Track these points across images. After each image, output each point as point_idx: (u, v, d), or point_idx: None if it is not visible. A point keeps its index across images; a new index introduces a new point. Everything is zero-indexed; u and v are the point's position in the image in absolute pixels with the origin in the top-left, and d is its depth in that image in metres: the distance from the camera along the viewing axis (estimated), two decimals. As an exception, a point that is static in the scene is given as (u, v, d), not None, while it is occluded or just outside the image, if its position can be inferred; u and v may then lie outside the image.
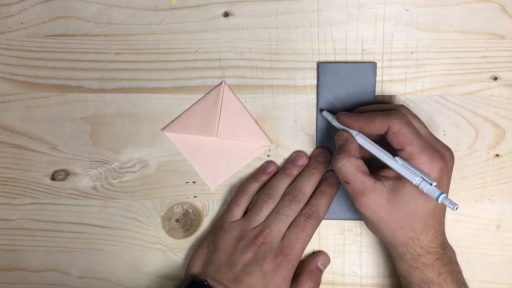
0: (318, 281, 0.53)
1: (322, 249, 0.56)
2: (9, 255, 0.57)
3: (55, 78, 0.55)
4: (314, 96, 0.54)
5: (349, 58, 0.54)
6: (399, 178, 0.46)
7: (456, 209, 0.42)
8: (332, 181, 0.54)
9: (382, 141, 0.48)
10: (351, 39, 0.53)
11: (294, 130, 0.55)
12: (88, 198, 0.56)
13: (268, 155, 0.55)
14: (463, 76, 0.53)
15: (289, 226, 0.51)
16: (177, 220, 0.57)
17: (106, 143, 0.56)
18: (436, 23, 0.53)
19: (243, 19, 0.53)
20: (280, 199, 0.52)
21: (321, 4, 0.53)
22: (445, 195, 0.43)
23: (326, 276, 0.56)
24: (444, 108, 0.54)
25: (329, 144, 0.54)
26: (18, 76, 0.55)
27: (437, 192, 0.43)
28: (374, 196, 0.46)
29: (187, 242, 0.57)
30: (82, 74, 0.55)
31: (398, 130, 0.45)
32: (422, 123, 0.48)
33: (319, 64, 0.53)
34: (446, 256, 0.48)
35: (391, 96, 0.54)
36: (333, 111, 0.52)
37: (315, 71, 0.54)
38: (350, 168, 0.46)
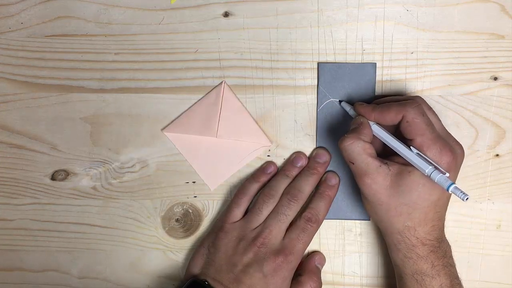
0: (320, 281, 0.53)
1: (322, 249, 0.56)
2: (9, 255, 0.57)
3: (55, 78, 0.55)
4: (314, 96, 0.54)
5: (349, 58, 0.54)
6: (406, 164, 0.46)
7: (466, 199, 0.42)
8: (331, 182, 0.54)
9: (395, 135, 0.48)
10: (351, 39, 0.53)
11: (294, 130, 0.55)
12: (88, 198, 0.56)
13: (268, 155, 0.55)
14: (463, 76, 0.53)
15: (289, 227, 0.52)
16: (177, 220, 0.57)
17: (106, 143, 0.56)
18: (436, 23, 0.53)
19: (243, 19, 0.53)
20: (279, 199, 0.52)
21: (321, 4, 0.53)
22: (456, 185, 0.43)
23: (326, 276, 0.56)
24: (444, 108, 0.54)
25: (329, 144, 0.54)
26: (18, 76, 0.55)
27: (449, 182, 0.43)
28: (378, 178, 0.46)
29: (187, 242, 0.57)
30: (82, 74, 0.55)
31: (412, 120, 0.46)
32: (436, 115, 0.49)
33: (319, 64, 0.53)
34: (441, 249, 0.48)
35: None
36: (350, 102, 0.53)
37: (315, 71, 0.54)
38: (356, 148, 0.47)
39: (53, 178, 0.56)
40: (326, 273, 0.56)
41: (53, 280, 0.58)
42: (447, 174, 0.44)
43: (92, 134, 0.56)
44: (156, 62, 0.54)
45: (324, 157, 0.54)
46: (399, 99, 0.49)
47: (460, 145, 0.48)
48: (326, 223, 0.56)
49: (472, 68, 0.53)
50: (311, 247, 0.56)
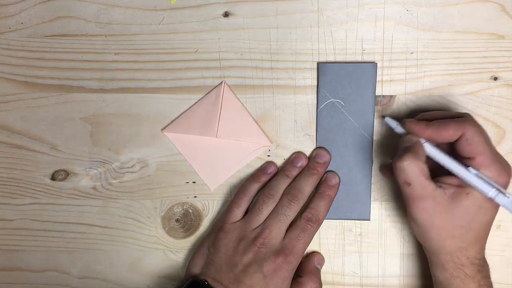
0: (319, 281, 0.53)
1: (322, 249, 0.56)
2: (9, 255, 0.57)
3: (55, 78, 0.55)
4: (314, 96, 0.54)
5: (349, 58, 0.54)
6: (462, 187, 0.45)
7: None
8: (331, 182, 0.54)
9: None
10: (351, 39, 0.53)
11: (294, 130, 0.55)
12: (88, 198, 0.56)
13: (268, 155, 0.55)
14: (463, 76, 0.53)
15: (289, 227, 0.51)
16: (177, 220, 0.57)
17: (106, 143, 0.56)
18: (436, 23, 0.53)
19: (243, 19, 0.53)
20: (280, 199, 0.52)
21: (321, 4, 0.53)
22: None
23: (326, 276, 0.56)
24: (444, 108, 0.54)
25: (329, 144, 0.54)
26: (18, 76, 0.55)
27: None
28: (433, 202, 0.45)
29: (187, 242, 0.57)
30: (82, 74, 0.55)
31: (472, 138, 0.44)
32: (487, 133, 0.47)
33: (319, 64, 0.53)
34: (485, 269, 0.48)
35: (391, 96, 0.54)
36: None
37: (315, 71, 0.54)
38: (415, 169, 0.44)
39: (53, 178, 0.56)
40: (326, 273, 0.56)
41: (53, 280, 0.58)
42: (511, 198, 0.43)
43: (92, 134, 0.56)
44: (156, 62, 0.54)
45: (324, 157, 0.54)
46: (447, 114, 0.48)
47: (508, 163, 0.46)
48: (326, 223, 0.56)
49: (472, 68, 0.53)
50: (311, 247, 0.56)
